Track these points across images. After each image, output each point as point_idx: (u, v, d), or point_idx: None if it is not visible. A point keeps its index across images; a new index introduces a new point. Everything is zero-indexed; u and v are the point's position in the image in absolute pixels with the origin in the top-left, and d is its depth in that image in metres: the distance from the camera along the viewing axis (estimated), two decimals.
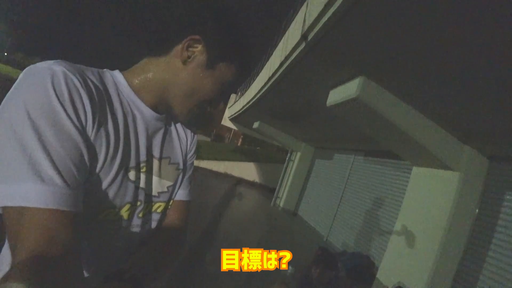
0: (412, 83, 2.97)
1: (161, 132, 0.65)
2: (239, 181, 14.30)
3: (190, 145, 0.76)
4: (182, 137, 0.73)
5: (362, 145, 6.53)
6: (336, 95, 3.64)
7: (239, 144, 33.70)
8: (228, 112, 16.22)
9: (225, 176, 14.57)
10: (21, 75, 0.44)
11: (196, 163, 9.08)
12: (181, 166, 0.71)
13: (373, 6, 2.08)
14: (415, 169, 4.18)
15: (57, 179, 0.40)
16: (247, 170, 15.98)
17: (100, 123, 0.49)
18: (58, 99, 0.42)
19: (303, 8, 3.32)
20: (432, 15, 1.92)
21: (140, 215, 0.60)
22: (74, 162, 0.43)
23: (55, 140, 0.41)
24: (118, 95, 0.56)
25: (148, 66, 0.60)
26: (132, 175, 0.56)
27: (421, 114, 3.41)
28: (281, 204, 9.83)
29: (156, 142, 0.64)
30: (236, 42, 0.61)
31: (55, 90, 0.43)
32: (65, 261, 0.39)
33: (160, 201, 0.66)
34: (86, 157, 0.45)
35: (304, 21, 3.11)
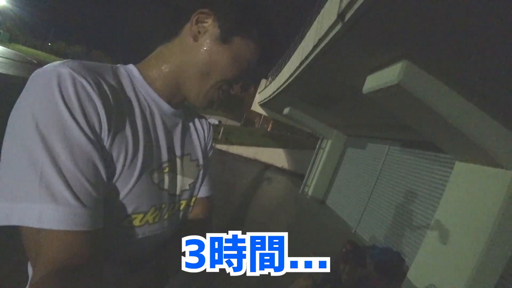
0: (463, 67, 2.63)
1: (180, 128, 0.62)
2: (268, 166, 14.30)
3: (208, 139, 0.73)
4: (200, 132, 0.70)
5: (399, 134, 6.11)
6: (375, 81, 3.36)
7: (269, 129, 33.60)
8: (259, 98, 16.09)
9: (254, 161, 14.62)
10: (29, 80, 0.40)
11: (225, 148, 9.30)
12: (201, 162, 0.68)
13: None
14: (458, 164, 3.81)
15: (71, 199, 0.38)
16: (277, 156, 15.92)
17: (117, 126, 0.45)
18: (67, 107, 0.39)
19: None
20: None
21: (166, 216, 0.58)
22: (88, 179, 0.40)
23: (66, 156, 0.38)
24: (135, 91, 0.52)
25: (160, 54, 0.56)
26: (155, 177, 0.53)
27: (471, 104, 3.04)
28: (310, 192, 9.69)
29: (176, 140, 0.60)
30: (252, 12, 0.53)
31: (63, 97, 0.39)
32: (83, 281, 0.38)
33: (183, 199, 0.63)
34: (102, 170, 0.42)
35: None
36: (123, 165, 0.46)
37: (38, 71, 0.41)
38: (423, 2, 2.05)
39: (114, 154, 0.45)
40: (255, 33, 0.55)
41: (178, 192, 0.60)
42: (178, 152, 0.60)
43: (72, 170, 0.38)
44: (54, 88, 0.39)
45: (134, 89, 0.52)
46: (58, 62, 0.42)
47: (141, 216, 0.51)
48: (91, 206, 0.39)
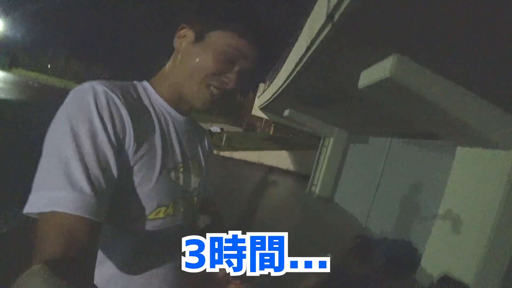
0: (453, 55, 2.71)
1: (188, 133, 0.70)
2: (272, 169, 14.34)
3: (208, 146, 0.84)
4: (202, 139, 0.81)
5: (399, 127, 6.17)
6: (368, 76, 3.45)
7: (271, 133, 33.63)
8: (258, 102, 16.19)
9: (259, 165, 14.68)
10: (68, 95, 0.50)
11: (228, 154, 9.33)
12: (203, 164, 0.77)
13: None
14: (459, 149, 3.86)
15: (87, 189, 0.44)
16: (280, 158, 15.97)
17: (140, 132, 0.54)
18: (99, 116, 0.47)
19: None
20: None
21: (182, 210, 0.65)
22: (105, 176, 0.46)
23: (91, 154, 0.45)
24: (151, 103, 0.61)
25: (164, 70, 0.67)
26: (173, 175, 0.61)
27: (464, 89, 3.11)
28: (317, 191, 9.72)
29: (186, 143, 0.68)
30: (220, 12, 0.60)
31: (97, 107, 0.48)
32: (80, 263, 0.41)
33: (194, 195, 0.71)
34: (115, 171, 0.49)
35: (328, 0, 2.96)
36: (146, 165, 0.54)
37: (78, 87, 0.50)
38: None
39: (139, 154, 0.53)
40: (231, 27, 0.59)
41: (190, 189, 0.68)
42: (188, 154, 0.69)
43: (93, 166, 0.45)
44: (90, 100, 0.48)
45: (150, 101, 0.62)
46: (94, 81, 0.52)
47: (164, 208, 0.59)
48: (102, 198, 0.45)
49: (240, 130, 31.34)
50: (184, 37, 0.61)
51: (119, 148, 0.50)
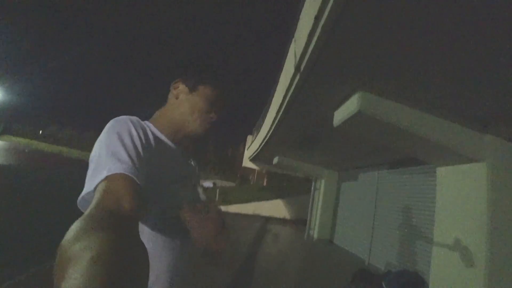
0: (411, 86, 3.08)
1: (182, 158, 0.93)
2: (268, 219, 14.07)
3: (195, 165, 1.05)
4: (192, 162, 1.02)
5: (383, 158, 6.46)
6: (340, 114, 3.81)
7: (265, 183, 33.48)
8: (248, 153, 16.53)
9: (255, 216, 14.42)
10: (109, 123, 0.72)
11: (224, 208, 9.28)
12: (193, 180, 0.97)
13: (353, 29, 2.34)
14: (439, 170, 4.09)
15: (128, 161, 0.62)
16: (276, 207, 15.77)
17: (150, 150, 0.75)
18: (134, 127, 0.71)
19: (292, 44, 3.68)
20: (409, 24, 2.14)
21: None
22: (138, 155, 0.66)
23: (129, 143, 0.66)
24: (154, 136, 0.82)
25: (161, 113, 0.92)
26: (181, 185, 0.84)
27: (427, 114, 3.44)
28: (315, 235, 9.53)
29: (183, 164, 0.91)
30: (203, 75, 0.91)
31: (132, 123, 0.72)
32: (127, 217, 0.53)
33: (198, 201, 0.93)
34: (146, 158, 0.69)
35: (295, 55, 3.44)
36: (159, 178, 0.76)
37: (116, 118, 0.74)
38: (360, 44, 2.57)
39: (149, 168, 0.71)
40: (210, 83, 0.91)
41: (194, 197, 0.90)
42: (187, 170, 0.92)
43: (131, 149, 0.65)
44: (127, 119, 0.73)
45: (153, 135, 0.83)
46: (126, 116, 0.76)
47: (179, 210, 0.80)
48: (140, 170, 0.63)
49: (233, 184, 31.18)
50: (178, 88, 0.90)
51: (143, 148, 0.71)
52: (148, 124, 0.85)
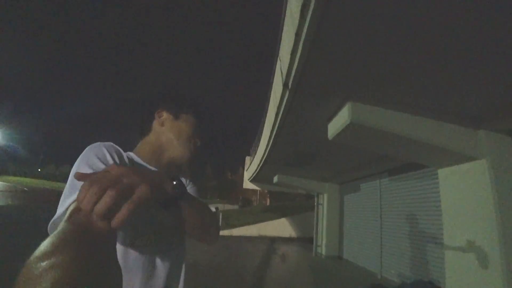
0: (400, 91, 3.10)
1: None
2: (274, 239, 13.74)
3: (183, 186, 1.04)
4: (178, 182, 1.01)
5: (383, 166, 6.41)
6: (334, 127, 3.80)
7: (267, 204, 33.04)
8: (247, 175, 16.42)
9: (260, 238, 14.07)
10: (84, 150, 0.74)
11: (228, 232, 9.13)
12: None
13: (334, 41, 2.37)
14: (440, 171, 4.04)
15: None
16: (281, 227, 15.45)
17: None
18: (107, 150, 0.74)
19: (278, 62, 3.74)
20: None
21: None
22: None
23: (101, 165, 0.68)
24: (129, 159, 0.85)
25: (145, 142, 0.94)
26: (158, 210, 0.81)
27: (420, 117, 3.45)
28: (323, 252, 9.25)
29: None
30: (184, 104, 0.98)
31: (105, 147, 0.75)
32: (98, 232, 0.47)
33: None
34: None
35: (281, 72, 3.48)
36: None
37: (90, 145, 0.75)
38: (343, 58, 2.60)
39: None
40: (190, 110, 0.97)
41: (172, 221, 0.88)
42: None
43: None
44: (100, 144, 0.75)
45: (129, 158, 0.85)
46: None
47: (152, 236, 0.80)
48: None
49: (236, 207, 30.72)
50: (163, 116, 0.94)
51: None
52: (128, 153, 0.87)
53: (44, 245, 0.40)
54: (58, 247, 0.40)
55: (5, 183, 42.19)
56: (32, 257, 0.38)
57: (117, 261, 0.48)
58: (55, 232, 0.44)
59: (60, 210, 0.59)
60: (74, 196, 0.56)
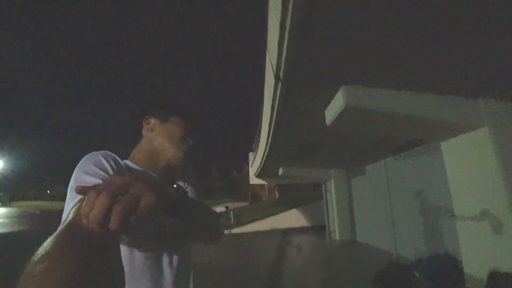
0: (393, 70, 3.06)
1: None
2: (287, 231, 13.81)
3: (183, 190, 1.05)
4: (178, 186, 1.02)
5: (386, 146, 6.39)
6: (330, 113, 3.78)
7: (276, 197, 33.13)
8: (252, 170, 16.45)
9: (273, 231, 14.15)
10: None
11: (239, 230, 9.13)
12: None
13: (318, 28, 2.36)
14: (443, 144, 4.03)
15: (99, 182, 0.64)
16: (293, 218, 15.51)
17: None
18: (103, 157, 0.75)
19: (267, 56, 3.71)
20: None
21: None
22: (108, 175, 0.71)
23: (98, 171, 0.70)
24: (126, 165, 0.87)
25: (138, 149, 0.96)
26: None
27: (415, 93, 3.43)
28: (337, 237, 9.31)
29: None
30: (169, 107, 1.01)
31: (101, 155, 0.76)
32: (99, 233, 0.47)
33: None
34: None
35: (271, 64, 3.46)
36: None
37: (86, 155, 0.76)
38: (330, 42, 2.58)
39: None
40: (178, 113, 0.99)
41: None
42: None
43: (101, 175, 0.69)
44: (96, 153, 0.77)
45: (126, 165, 0.87)
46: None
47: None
48: None
49: (246, 203, 30.88)
50: (151, 122, 0.96)
51: (113, 171, 0.74)
52: (124, 161, 0.88)
53: (46, 246, 0.41)
54: (58, 247, 0.41)
55: (18, 208, 42.71)
56: (34, 258, 0.39)
57: (119, 264, 0.51)
58: (56, 234, 0.45)
59: (63, 216, 0.61)
60: (75, 201, 0.60)
